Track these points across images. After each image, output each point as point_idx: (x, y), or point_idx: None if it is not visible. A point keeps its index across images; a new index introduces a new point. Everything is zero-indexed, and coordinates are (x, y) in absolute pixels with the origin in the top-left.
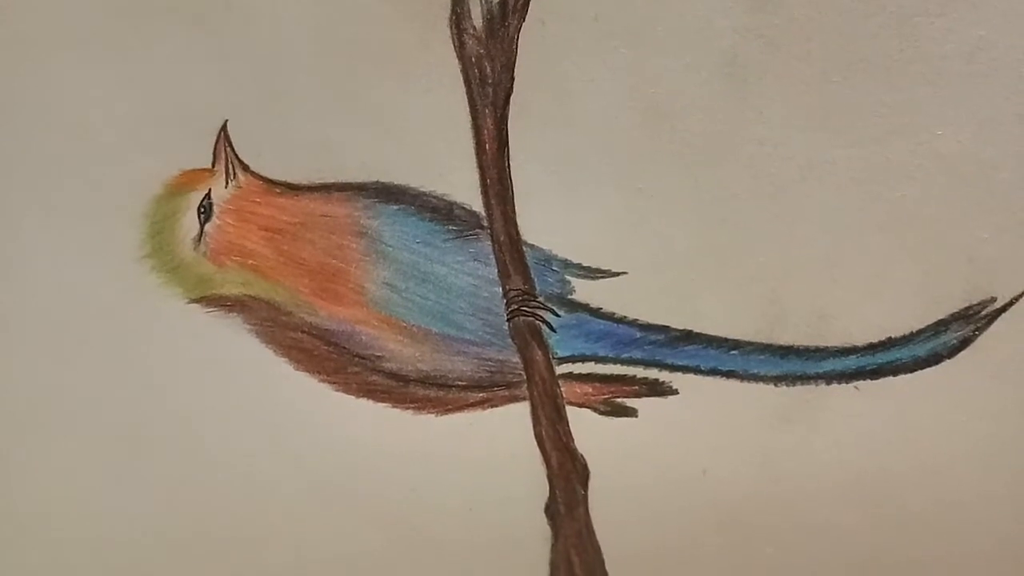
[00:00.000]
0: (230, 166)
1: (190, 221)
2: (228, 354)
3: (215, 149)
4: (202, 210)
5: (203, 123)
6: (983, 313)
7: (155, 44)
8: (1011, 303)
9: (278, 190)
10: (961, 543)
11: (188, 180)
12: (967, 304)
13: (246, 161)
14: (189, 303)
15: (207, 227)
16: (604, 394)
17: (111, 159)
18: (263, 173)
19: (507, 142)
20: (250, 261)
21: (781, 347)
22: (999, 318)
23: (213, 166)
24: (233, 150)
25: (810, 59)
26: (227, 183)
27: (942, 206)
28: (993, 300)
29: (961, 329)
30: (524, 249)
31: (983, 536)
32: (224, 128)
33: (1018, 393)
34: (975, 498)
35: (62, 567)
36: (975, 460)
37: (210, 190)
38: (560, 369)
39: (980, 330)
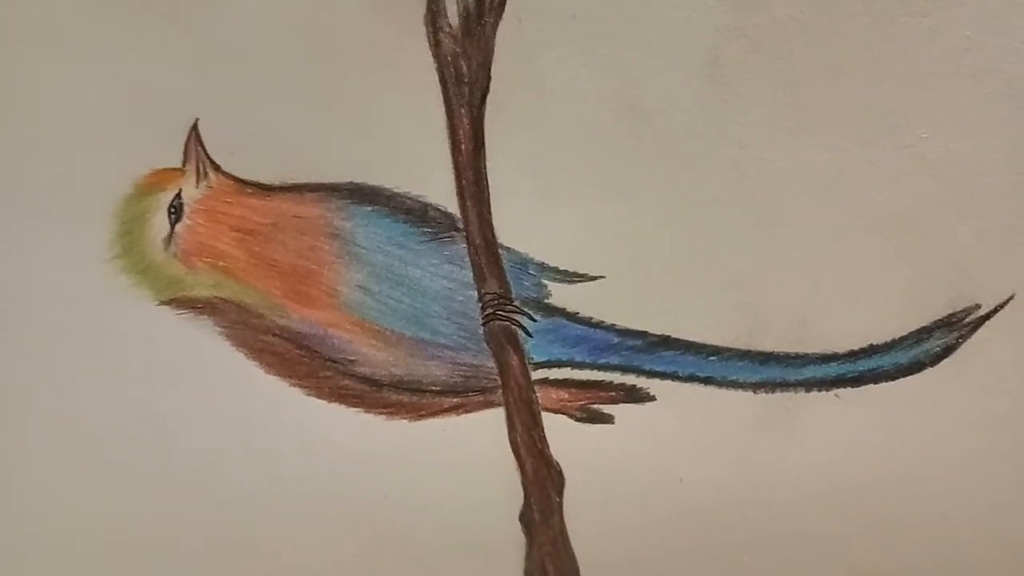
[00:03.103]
0: (201, 165)
1: (160, 221)
2: (199, 357)
3: (186, 148)
4: (172, 210)
5: (174, 121)
6: (967, 320)
7: (127, 40)
8: (995, 310)
9: (250, 190)
10: (942, 553)
11: (158, 179)
12: (951, 311)
13: (217, 160)
14: (159, 305)
15: (177, 228)
16: (580, 400)
17: (81, 157)
18: (235, 173)
19: (483, 142)
20: (221, 263)
21: (761, 353)
22: (983, 326)
23: (184, 165)
24: (204, 149)
25: (793, 59)
26: (198, 183)
27: (926, 211)
28: (977, 307)
29: (944, 337)
30: (500, 252)
31: (965, 545)
32: (195, 127)
33: (1001, 402)
34: (957, 508)
35: (30, 566)
36: (957, 469)
37: (181, 190)
38: (536, 374)
39: (963, 338)
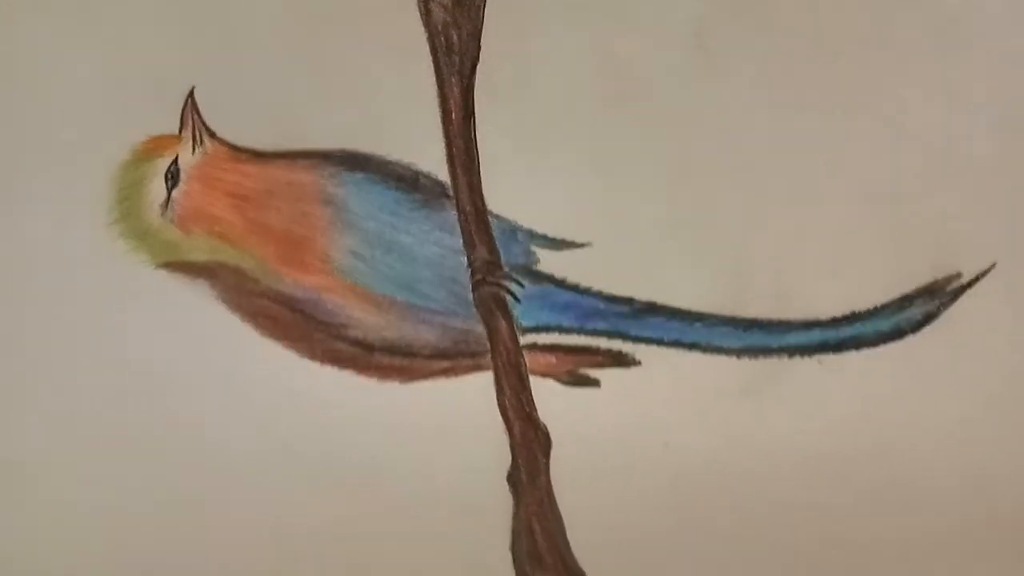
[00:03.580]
0: (197, 132)
1: (157, 187)
2: (196, 320)
3: (182, 115)
4: (169, 176)
5: (171, 88)
6: (948, 288)
7: (124, 9)
8: (976, 279)
9: (244, 157)
10: (923, 520)
11: (155, 146)
12: (932, 279)
13: (213, 127)
14: (156, 269)
15: (174, 193)
16: (567, 364)
17: (78, 124)
18: (229, 139)
19: (473, 112)
20: (216, 228)
21: (745, 320)
22: (964, 293)
23: (180, 132)
24: (200, 116)
25: (778, 29)
26: (194, 149)
27: (910, 181)
28: (959, 275)
29: (925, 304)
30: (490, 219)
31: (946, 513)
32: (191, 94)
33: (982, 369)
34: (938, 475)
35: (26, 527)
36: (938, 436)
37: (177, 156)
38: (524, 339)
39: (945, 306)
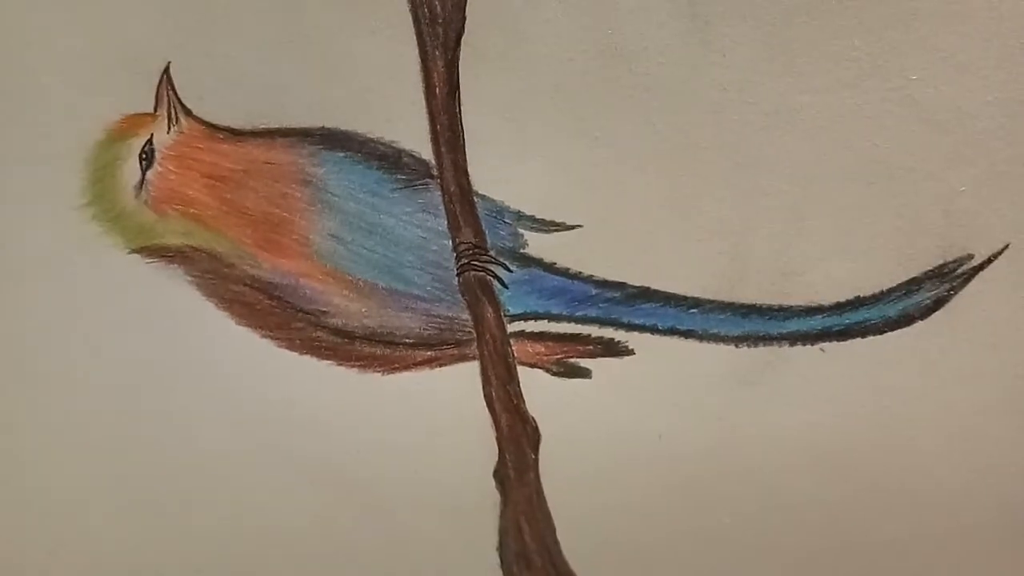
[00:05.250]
0: (173, 110)
1: (132, 168)
2: (169, 306)
3: (157, 92)
4: (144, 156)
5: (145, 65)
6: (959, 271)
7: None
8: (989, 261)
9: (221, 136)
10: (932, 514)
11: (130, 125)
12: (942, 261)
13: (188, 105)
14: (130, 253)
15: (149, 174)
16: (557, 354)
17: (52, 102)
18: (206, 118)
19: (458, 86)
20: (192, 210)
21: (743, 305)
22: (976, 277)
23: (155, 110)
24: (176, 94)
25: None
26: (169, 128)
27: (916, 156)
28: (970, 257)
29: (935, 288)
30: (475, 200)
31: (955, 506)
32: (167, 71)
33: (994, 357)
34: (947, 467)
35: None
36: (947, 427)
37: (152, 136)
38: (511, 327)
39: (955, 290)
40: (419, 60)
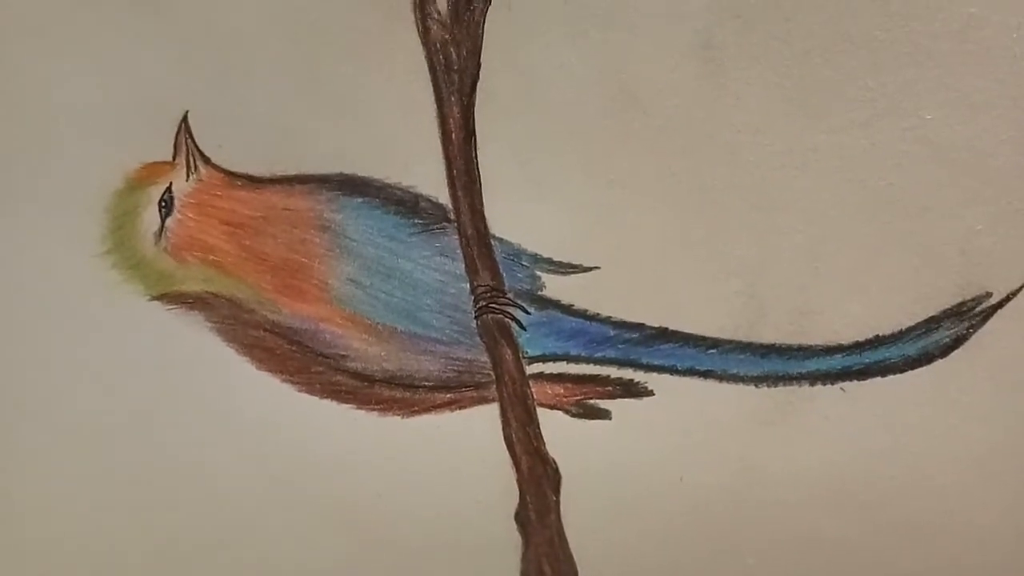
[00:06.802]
0: (191, 158)
1: (151, 216)
2: (189, 353)
3: (176, 141)
4: (163, 204)
5: (164, 114)
6: (977, 309)
7: (115, 33)
8: (1007, 299)
9: (239, 183)
10: (953, 553)
11: (149, 173)
12: (960, 300)
13: (207, 153)
14: (150, 300)
15: (168, 221)
16: (576, 395)
17: (71, 151)
18: (224, 165)
19: (474, 131)
20: (211, 256)
21: (762, 345)
22: (995, 315)
23: (174, 158)
24: (194, 142)
25: (789, 39)
26: (188, 176)
27: (933, 195)
28: (988, 295)
29: (954, 326)
30: (492, 243)
31: (976, 545)
32: (185, 119)
33: (1014, 395)
34: (968, 506)
35: (12, 562)
36: (968, 466)
37: (171, 183)
38: (530, 369)
39: (974, 328)
40: (435, 106)
